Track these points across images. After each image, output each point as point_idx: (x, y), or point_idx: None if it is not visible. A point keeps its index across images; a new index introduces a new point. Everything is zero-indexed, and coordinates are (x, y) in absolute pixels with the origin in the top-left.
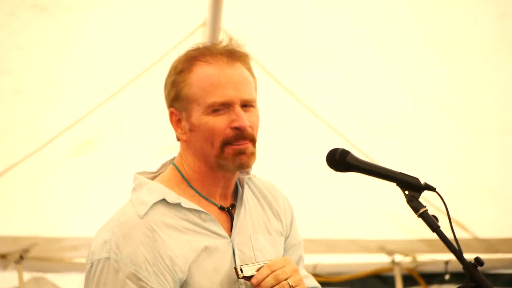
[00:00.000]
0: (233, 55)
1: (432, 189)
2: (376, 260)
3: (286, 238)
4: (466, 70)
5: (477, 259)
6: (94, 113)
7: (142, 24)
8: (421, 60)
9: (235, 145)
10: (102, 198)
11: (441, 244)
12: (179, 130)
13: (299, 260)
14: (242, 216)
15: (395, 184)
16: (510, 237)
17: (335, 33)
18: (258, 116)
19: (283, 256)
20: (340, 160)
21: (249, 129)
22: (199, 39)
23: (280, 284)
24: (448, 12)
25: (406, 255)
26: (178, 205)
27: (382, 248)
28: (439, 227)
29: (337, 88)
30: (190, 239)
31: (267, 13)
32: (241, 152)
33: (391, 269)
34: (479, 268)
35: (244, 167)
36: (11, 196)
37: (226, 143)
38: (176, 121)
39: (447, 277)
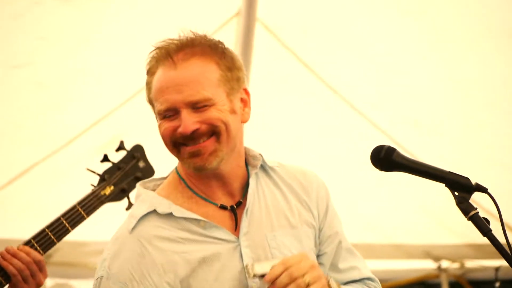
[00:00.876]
0: (183, 52)
1: (483, 190)
2: (422, 266)
3: (321, 230)
4: None
5: None
6: (121, 109)
7: (171, 14)
8: (473, 52)
9: (188, 146)
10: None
11: (491, 249)
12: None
13: (336, 250)
14: (256, 213)
15: (443, 184)
16: None
17: (377, 25)
18: (221, 110)
19: (316, 249)
20: (386, 159)
21: (200, 129)
22: (233, 30)
23: (296, 282)
24: (497, 5)
25: (453, 261)
26: (171, 215)
27: (428, 254)
28: (491, 230)
29: (380, 84)
30: (188, 249)
31: (304, 2)
32: (195, 154)
33: (437, 276)
34: None
35: (201, 169)
36: (32, 197)
37: (180, 144)
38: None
39: (497, 284)
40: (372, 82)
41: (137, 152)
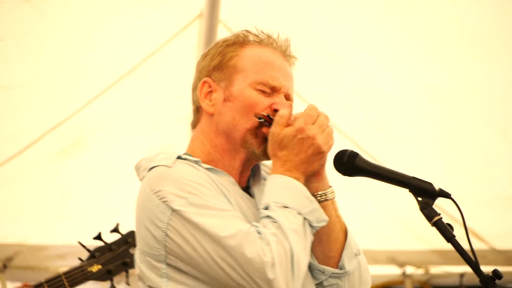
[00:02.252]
0: (287, 55)
1: (447, 195)
2: (386, 272)
3: None
4: (490, 68)
5: (495, 271)
6: (82, 111)
7: (133, 15)
8: (438, 56)
9: (268, 127)
10: (90, 203)
11: (456, 255)
12: (206, 101)
13: None
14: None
15: (407, 190)
16: None
17: (340, 27)
18: None
19: None
20: (349, 163)
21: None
22: (195, 31)
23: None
24: (464, 9)
25: (418, 267)
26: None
27: (392, 259)
28: (454, 236)
29: (344, 86)
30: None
31: (267, 3)
32: (266, 140)
33: (402, 282)
34: (497, 281)
35: (267, 156)
36: None
37: (263, 124)
38: (206, 92)
39: None
40: (335, 84)
41: (131, 238)
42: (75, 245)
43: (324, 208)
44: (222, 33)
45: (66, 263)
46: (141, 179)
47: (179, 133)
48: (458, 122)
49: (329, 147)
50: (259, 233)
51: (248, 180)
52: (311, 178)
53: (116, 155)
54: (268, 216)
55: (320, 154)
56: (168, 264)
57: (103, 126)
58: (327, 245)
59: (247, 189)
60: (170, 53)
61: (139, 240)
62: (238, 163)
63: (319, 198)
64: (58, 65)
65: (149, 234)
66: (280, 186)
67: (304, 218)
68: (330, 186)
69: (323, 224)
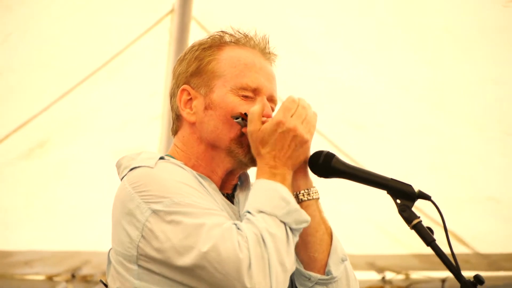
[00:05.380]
0: (267, 52)
1: (426, 197)
2: (365, 278)
3: None
4: (467, 65)
5: (477, 277)
6: (46, 112)
7: (103, 11)
8: (416, 53)
9: None
10: (57, 206)
11: (437, 260)
12: (187, 110)
13: None
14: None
15: (385, 191)
16: None
17: (316, 23)
18: None
19: None
20: (324, 165)
21: None
22: (167, 28)
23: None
24: (440, 6)
25: (398, 272)
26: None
27: (372, 265)
28: (435, 240)
29: (319, 83)
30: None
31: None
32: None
33: None
34: (479, 287)
35: (255, 163)
36: None
37: (243, 125)
38: (186, 100)
39: None
40: (310, 81)
41: None
42: (42, 251)
43: (307, 208)
44: (195, 30)
45: (33, 271)
46: (121, 178)
47: (150, 132)
48: (438, 121)
49: (312, 134)
50: (239, 229)
51: (235, 187)
52: (294, 175)
53: (85, 156)
54: (247, 219)
55: (304, 144)
56: (140, 266)
57: (70, 126)
58: (312, 246)
59: (231, 196)
60: (140, 50)
61: (114, 239)
62: (222, 171)
63: (301, 196)
64: (24, 62)
65: (124, 233)
66: (257, 190)
67: (281, 221)
68: (314, 186)
69: (305, 225)
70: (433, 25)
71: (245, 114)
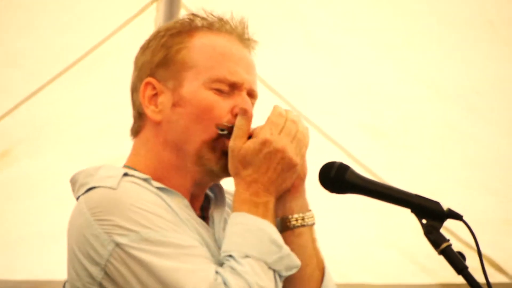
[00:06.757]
0: (245, 38)
1: (457, 217)
2: None
3: None
4: (510, 64)
5: None
6: (9, 116)
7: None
8: (449, 47)
9: (228, 139)
10: (19, 228)
11: None
12: (151, 107)
13: None
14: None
15: (409, 210)
16: None
17: (326, 11)
18: None
19: None
20: (337, 178)
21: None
22: (152, 17)
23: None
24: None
25: None
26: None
27: None
28: (467, 267)
29: (332, 84)
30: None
31: None
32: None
33: None
34: None
35: (228, 173)
36: None
37: (220, 135)
38: (150, 96)
39: None
40: (323, 80)
41: None
42: (4, 280)
43: (299, 236)
44: None
45: None
46: (76, 197)
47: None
48: (474, 128)
49: (303, 156)
50: (225, 284)
51: (208, 202)
52: (285, 195)
53: (52, 169)
54: (232, 269)
55: (292, 167)
56: None
57: (37, 133)
58: (300, 283)
59: (202, 213)
60: (120, 44)
61: (70, 272)
62: (189, 184)
63: (294, 222)
64: None
65: (81, 267)
66: (239, 228)
67: (269, 268)
68: (310, 210)
69: (295, 270)
70: (473, 16)
71: (232, 127)
